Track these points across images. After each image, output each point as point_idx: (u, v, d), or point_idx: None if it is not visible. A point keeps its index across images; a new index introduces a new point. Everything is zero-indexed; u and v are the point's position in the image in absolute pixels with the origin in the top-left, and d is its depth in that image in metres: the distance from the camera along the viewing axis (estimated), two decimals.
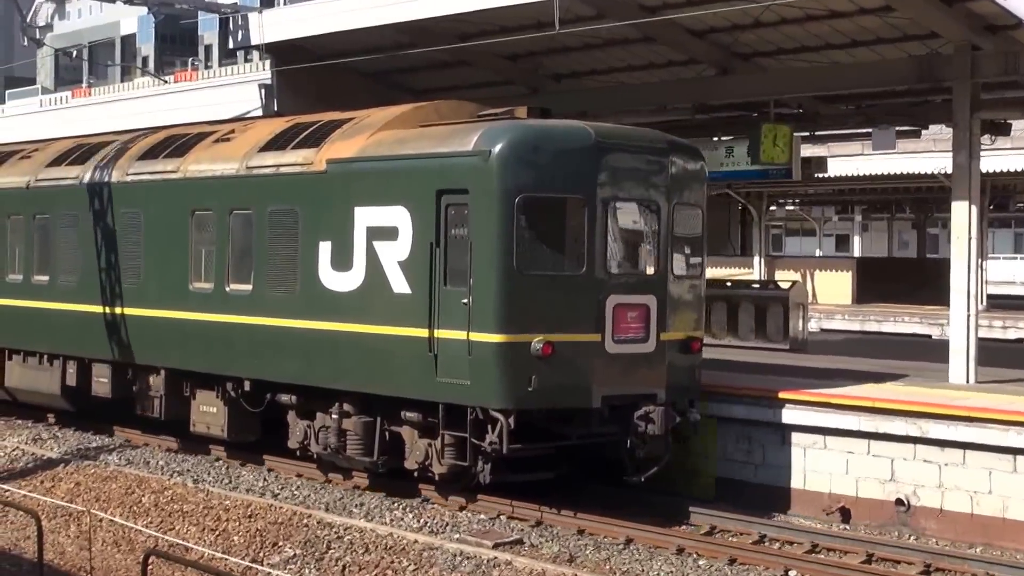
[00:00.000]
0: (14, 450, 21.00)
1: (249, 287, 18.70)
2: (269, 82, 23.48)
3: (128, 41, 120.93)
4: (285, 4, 29.54)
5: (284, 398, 18.40)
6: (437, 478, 16.77)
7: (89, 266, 21.61)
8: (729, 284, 27.17)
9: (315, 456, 18.42)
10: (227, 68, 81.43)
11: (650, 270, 16.66)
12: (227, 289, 19.05)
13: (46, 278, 22.68)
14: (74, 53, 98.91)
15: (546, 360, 15.55)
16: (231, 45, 25.25)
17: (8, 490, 17.94)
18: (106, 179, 21.32)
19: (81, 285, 21.77)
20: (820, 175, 32.30)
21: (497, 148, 15.60)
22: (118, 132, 24.27)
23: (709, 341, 23.87)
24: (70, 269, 22.16)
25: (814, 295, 40.83)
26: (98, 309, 21.31)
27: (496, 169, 15.56)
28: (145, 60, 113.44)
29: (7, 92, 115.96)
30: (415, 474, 17.09)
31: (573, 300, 15.86)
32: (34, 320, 22.90)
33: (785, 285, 26.06)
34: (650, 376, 16.39)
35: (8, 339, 23.61)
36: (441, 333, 15.99)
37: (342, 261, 17.23)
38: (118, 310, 20.95)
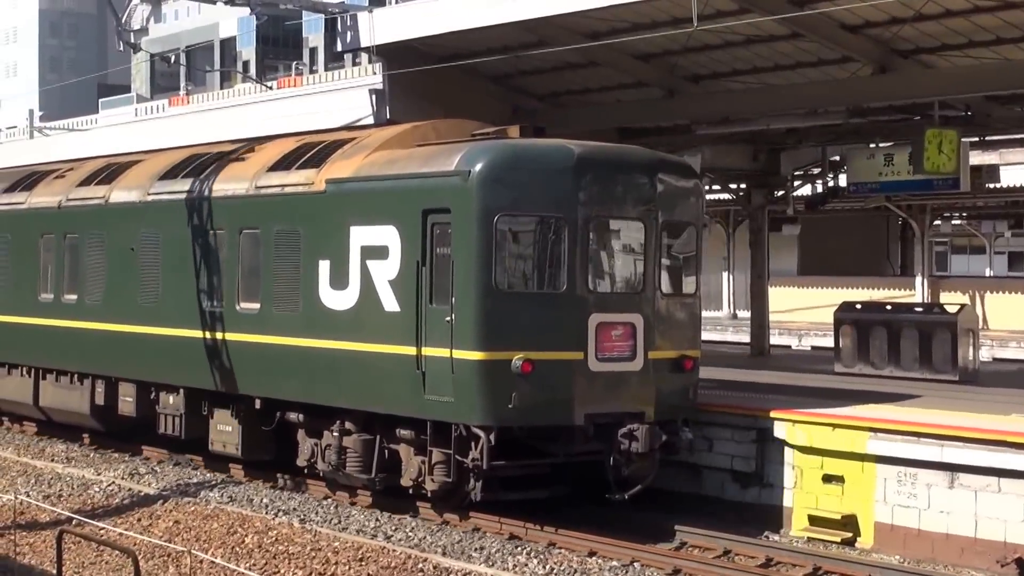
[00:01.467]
0: (110, 485, 21.42)
1: (257, 306, 20.33)
2: (380, 87, 23.68)
3: (228, 44, 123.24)
4: (397, 3, 29.88)
5: (292, 416, 19.97)
6: (429, 495, 18.14)
7: (114, 285, 23.43)
8: (889, 308, 26.89)
9: (321, 474, 19.85)
10: (334, 72, 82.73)
11: (636, 288, 17.84)
12: (237, 308, 20.65)
13: (75, 297, 24.51)
14: (172, 58, 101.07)
15: (526, 377, 16.88)
16: (338, 48, 25.54)
17: (104, 528, 18.27)
18: (128, 199, 23.26)
19: (107, 304, 23.57)
20: (991, 185, 31.78)
21: (477, 168, 17.05)
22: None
23: (867, 371, 23.72)
24: (97, 288, 23.91)
25: (984, 320, 40.11)
26: (122, 328, 23.04)
27: (475, 189, 17.00)
28: (246, 65, 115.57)
29: (101, 101, 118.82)
30: (410, 491, 18.43)
31: (554, 318, 17.16)
32: (64, 339, 24.64)
33: (952, 309, 25.61)
34: (637, 394, 17.54)
35: (41, 358, 25.51)
36: (428, 351, 17.42)
37: (339, 280, 18.78)
38: (140, 329, 22.63)
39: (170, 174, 22.83)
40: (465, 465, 17.21)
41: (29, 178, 27.56)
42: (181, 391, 21.94)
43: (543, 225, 17.37)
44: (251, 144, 22.75)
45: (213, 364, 21.05)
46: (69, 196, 25.10)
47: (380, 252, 18.20)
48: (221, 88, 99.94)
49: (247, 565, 16.57)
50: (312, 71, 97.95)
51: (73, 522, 18.29)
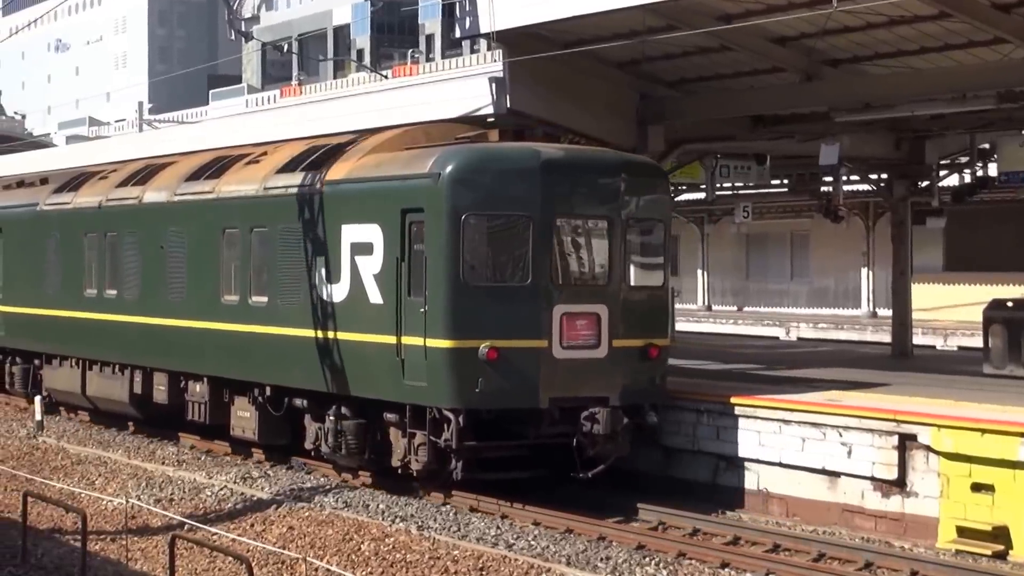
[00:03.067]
0: (222, 489, 21.69)
1: (266, 299, 22.82)
2: (500, 75, 23.69)
3: (341, 32, 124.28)
4: None
5: (297, 402, 22.41)
6: (415, 475, 20.31)
7: (147, 281, 26.15)
8: (1010, 304, 26.32)
9: (324, 456, 22.13)
10: (451, 61, 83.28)
11: (601, 281, 19.96)
12: (250, 301, 23.15)
13: (115, 292, 27.26)
14: (284, 47, 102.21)
15: (492, 364, 19.01)
16: (456, 34, 25.58)
17: (216, 533, 18.50)
18: (158, 200, 25.89)
19: (141, 299, 26.35)
20: None
21: (447, 170, 19.27)
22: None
23: (1019, 373, 23.28)
24: (133, 284, 26.67)
25: None
26: (154, 321, 25.79)
27: (445, 190, 19.21)
28: (360, 53, 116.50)
29: (211, 92, 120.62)
30: (399, 471, 20.61)
31: (518, 309, 19.28)
32: (106, 332, 27.43)
33: None
34: (601, 380, 19.64)
35: (87, 350, 28.30)
36: (406, 339, 19.71)
37: (334, 274, 21.14)
38: (169, 322, 25.33)
39: (194, 176, 25.37)
40: (438, 445, 19.36)
41: (77, 179, 29.98)
42: (205, 380, 24.53)
43: (509, 223, 19.52)
44: (265, 147, 25.22)
45: (231, 354, 23.79)
46: (108, 196, 27.67)
47: (367, 248, 20.49)
48: (334, 78, 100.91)
49: (363, 573, 16.71)
50: (428, 59, 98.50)
51: (185, 527, 18.59)
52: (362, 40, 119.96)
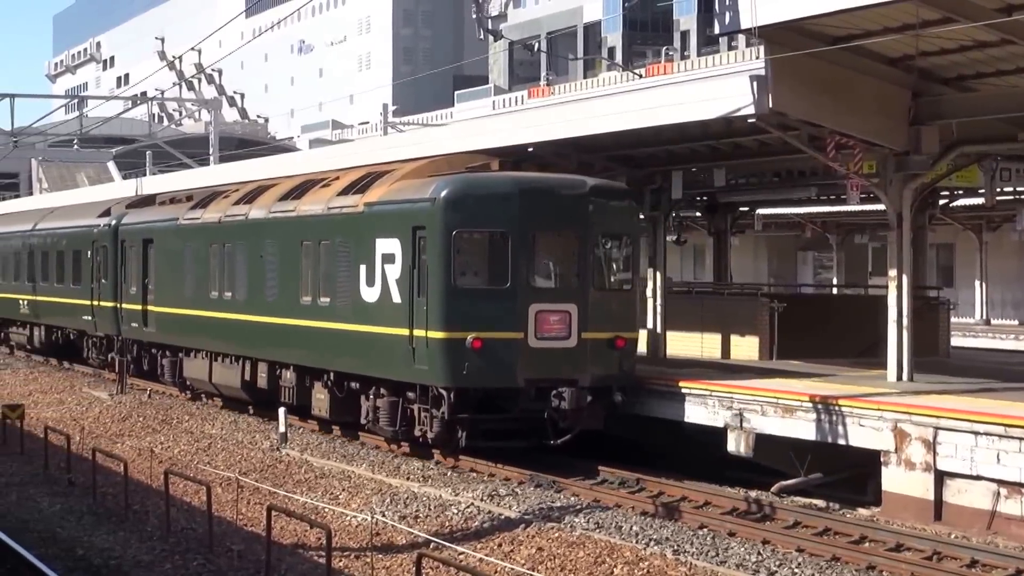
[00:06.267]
0: (468, 507, 21.99)
1: (328, 299, 28.50)
2: (762, 73, 23.51)
3: (592, 30, 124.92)
4: None
5: (353, 385, 27.81)
6: (431, 442, 25.68)
7: (251, 284, 32.22)
8: None
9: (367, 429, 27.89)
10: (706, 58, 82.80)
11: (572, 284, 25.26)
12: (318, 302, 28.91)
13: (230, 294, 33.38)
14: (535, 46, 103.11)
15: (477, 351, 24.41)
16: (715, 30, 25.50)
17: (463, 553, 18.82)
18: (258, 216, 31.93)
19: (247, 300, 32.40)
20: None
21: (441, 195, 24.87)
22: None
23: None
24: (242, 287, 32.76)
25: None
26: (257, 319, 31.77)
27: (439, 211, 24.81)
28: (611, 51, 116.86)
29: (456, 93, 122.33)
30: (420, 440, 25.93)
31: (499, 307, 24.71)
32: (224, 328, 33.66)
33: None
34: (571, 366, 24.83)
35: (211, 343, 34.51)
36: (416, 332, 25.19)
37: (370, 279, 26.72)
38: (266, 319, 31.30)
39: (285, 196, 31.21)
40: (443, 418, 24.70)
41: (209, 197, 36.41)
42: (292, 368, 30.28)
43: (491, 238, 25.09)
44: (337, 173, 31.00)
45: (307, 346, 29.55)
46: (226, 213, 33.81)
47: (391, 258, 26.06)
48: (584, 77, 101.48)
49: None
50: (683, 57, 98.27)
51: (431, 545, 18.90)
52: (613, 38, 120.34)
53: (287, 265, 30.37)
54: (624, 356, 25.46)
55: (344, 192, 28.40)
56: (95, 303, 42.58)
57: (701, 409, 24.61)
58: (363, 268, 26.90)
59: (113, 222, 41.61)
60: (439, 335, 24.64)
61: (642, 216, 29.16)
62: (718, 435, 24.21)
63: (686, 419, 25.00)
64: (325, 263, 28.65)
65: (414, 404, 25.74)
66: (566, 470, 25.02)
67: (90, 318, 43.17)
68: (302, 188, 30.82)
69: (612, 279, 25.82)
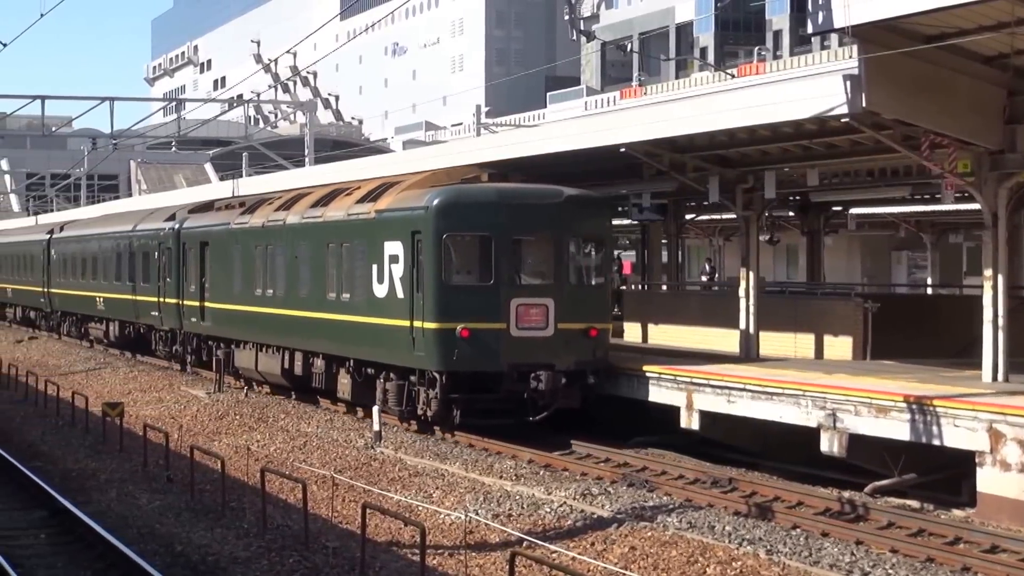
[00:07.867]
0: (561, 506, 22.01)
1: (348, 295, 31.95)
2: (856, 72, 23.34)
3: (684, 30, 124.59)
4: None
5: (370, 371, 31.16)
6: (430, 419, 29.11)
7: (288, 282, 35.73)
8: None
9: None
10: (799, 58, 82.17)
11: (549, 281, 28.54)
12: (341, 297, 32.36)
13: (271, 291, 36.92)
14: (627, 47, 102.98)
15: (465, 340, 27.72)
16: (808, 30, 25.25)
17: (556, 551, 18.83)
18: (294, 221, 35.48)
19: (285, 296, 35.87)
20: None
21: (433, 204, 28.33)
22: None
23: None
24: (281, 284, 36.26)
25: None
26: (292, 313, 35.19)
27: (432, 218, 28.24)
28: (703, 51, 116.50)
29: (548, 94, 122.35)
30: (422, 418, 29.37)
31: (484, 301, 28.00)
32: (266, 321, 37.20)
33: None
34: (549, 352, 28.01)
35: (257, 335, 38.14)
36: (416, 323, 28.51)
37: (380, 277, 30.15)
38: (299, 313, 34.79)
39: (316, 203, 34.60)
40: (433, 397, 28.11)
41: (256, 204, 40.05)
42: (320, 356, 33.64)
43: (476, 240, 28.34)
44: (359, 183, 34.68)
45: (332, 336, 32.89)
46: (269, 218, 37.44)
47: (396, 259, 29.39)
48: (676, 78, 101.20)
49: None
50: (776, 57, 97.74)
51: (524, 544, 18.94)
52: (706, 38, 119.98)
53: (316, 265, 33.83)
54: (597, 344, 28.62)
55: (361, 200, 31.91)
56: (161, 300, 46.01)
57: (794, 409, 24.42)
58: (375, 267, 30.25)
59: (176, 226, 45.01)
60: (433, 326, 27.99)
61: (612, 222, 32.78)
62: (809, 435, 24.05)
63: (779, 419, 24.85)
64: (346, 263, 32.09)
65: (416, 386, 29.03)
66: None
67: (157, 313, 46.63)
68: (330, 196, 34.30)
69: (585, 277, 29.03)
